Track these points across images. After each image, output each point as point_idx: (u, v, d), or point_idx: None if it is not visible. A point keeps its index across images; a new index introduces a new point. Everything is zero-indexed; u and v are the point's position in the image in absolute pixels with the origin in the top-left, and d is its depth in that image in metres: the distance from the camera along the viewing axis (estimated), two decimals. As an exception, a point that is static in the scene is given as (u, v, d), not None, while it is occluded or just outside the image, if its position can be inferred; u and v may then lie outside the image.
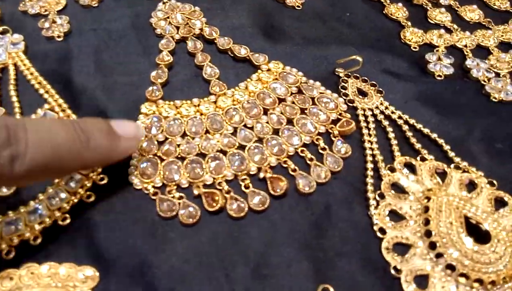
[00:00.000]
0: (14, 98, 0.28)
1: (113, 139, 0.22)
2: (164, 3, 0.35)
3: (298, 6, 0.37)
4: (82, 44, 0.32)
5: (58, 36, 0.32)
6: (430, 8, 0.38)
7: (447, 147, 0.28)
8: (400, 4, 0.38)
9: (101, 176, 0.24)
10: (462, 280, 0.22)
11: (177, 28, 0.33)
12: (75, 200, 0.23)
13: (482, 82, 0.32)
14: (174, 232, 0.23)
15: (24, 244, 0.22)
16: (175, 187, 0.25)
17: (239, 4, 0.37)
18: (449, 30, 0.36)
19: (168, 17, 0.34)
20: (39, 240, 0.22)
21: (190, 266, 0.22)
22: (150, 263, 0.22)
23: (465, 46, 0.35)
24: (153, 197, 0.24)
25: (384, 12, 0.38)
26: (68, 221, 0.23)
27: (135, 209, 0.24)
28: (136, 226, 0.23)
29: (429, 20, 0.37)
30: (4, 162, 0.17)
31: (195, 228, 0.23)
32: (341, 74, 0.32)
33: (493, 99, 0.31)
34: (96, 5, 0.35)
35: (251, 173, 0.26)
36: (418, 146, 0.28)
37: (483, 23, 0.37)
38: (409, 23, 0.36)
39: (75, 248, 0.22)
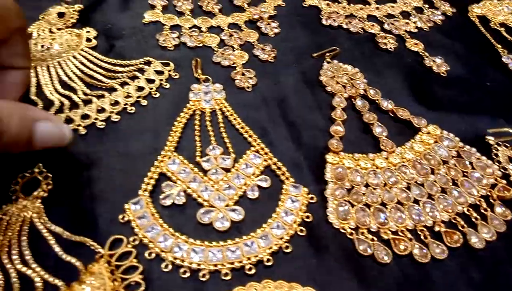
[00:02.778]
0: (226, 140, 0.34)
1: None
2: (328, 62, 0.42)
3: (443, 74, 0.42)
4: (267, 96, 0.38)
5: (248, 87, 0.39)
6: None
7: None
8: (537, 79, 0.42)
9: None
10: None
11: (343, 87, 0.39)
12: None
13: None
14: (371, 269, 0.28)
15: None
16: (366, 230, 0.30)
17: (392, 67, 0.42)
18: None
19: (334, 76, 0.40)
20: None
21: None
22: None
23: None
24: (350, 236, 0.30)
25: (521, 84, 0.42)
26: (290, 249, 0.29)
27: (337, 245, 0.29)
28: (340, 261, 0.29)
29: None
30: None
31: (387, 267, 0.28)
32: (491, 142, 0.36)
33: None
34: (272, 60, 0.42)
35: (428, 225, 0.30)
36: None
37: None
38: (546, 98, 0.40)
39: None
